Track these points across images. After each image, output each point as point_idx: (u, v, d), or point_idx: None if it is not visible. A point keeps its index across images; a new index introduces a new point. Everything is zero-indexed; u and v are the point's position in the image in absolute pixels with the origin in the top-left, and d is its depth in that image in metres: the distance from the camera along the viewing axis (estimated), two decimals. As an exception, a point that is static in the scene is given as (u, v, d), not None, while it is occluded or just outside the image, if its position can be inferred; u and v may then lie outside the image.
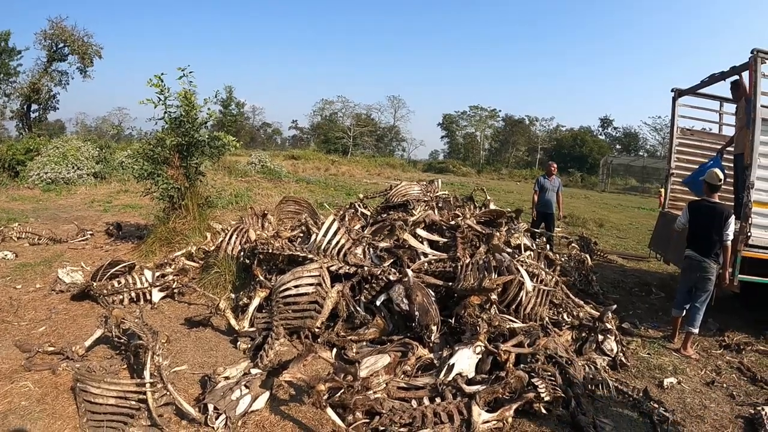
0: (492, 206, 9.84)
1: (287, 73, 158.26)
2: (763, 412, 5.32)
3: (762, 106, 7.29)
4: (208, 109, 10.22)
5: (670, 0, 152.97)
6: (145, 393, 4.33)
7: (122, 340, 5.51)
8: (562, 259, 9.48)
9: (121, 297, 7.04)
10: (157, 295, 7.23)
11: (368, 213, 9.59)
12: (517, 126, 76.54)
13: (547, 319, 6.50)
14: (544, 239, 10.78)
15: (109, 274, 7.35)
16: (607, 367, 6.17)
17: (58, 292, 7.57)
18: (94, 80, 42.11)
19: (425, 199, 9.55)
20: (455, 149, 78.28)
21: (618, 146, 78.31)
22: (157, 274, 7.49)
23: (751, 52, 7.29)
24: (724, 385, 6.27)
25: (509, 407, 4.58)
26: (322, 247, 6.87)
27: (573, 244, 11.13)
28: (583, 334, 6.54)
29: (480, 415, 4.39)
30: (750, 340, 7.80)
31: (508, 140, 75.58)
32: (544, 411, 4.79)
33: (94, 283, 7.10)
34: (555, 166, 12.29)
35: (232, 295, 7.10)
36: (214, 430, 4.25)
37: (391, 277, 6.19)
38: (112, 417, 4.19)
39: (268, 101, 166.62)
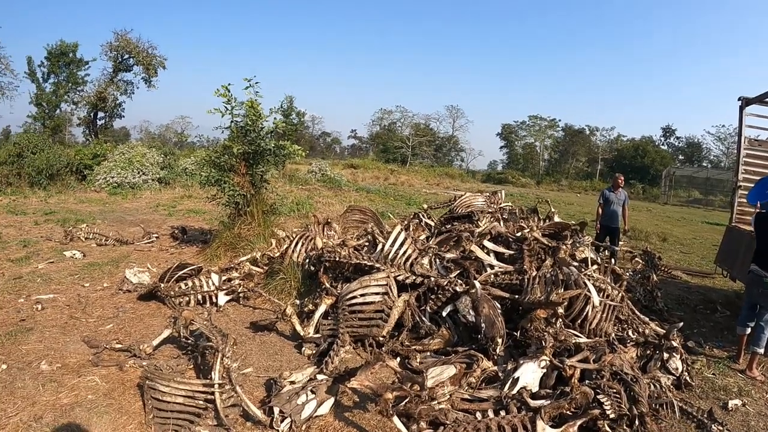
0: (557, 218, 9.64)
1: (346, 82, 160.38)
2: None
3: None
4: (275, 118, 10.37)
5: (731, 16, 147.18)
6: (212, 393, 4.34)
7: (190, 341, 5.56)
8: (627, 275, 9.18)
9: (187, 299, 7.13)
10: (223, 299, 7.31)
11: (432, 223, 9.48)
12: (577, 136, 74.76)
13: (612, 335, 6.32)
14: (608, 253, 10.57)
15: (176, 276, 7.45)
16: (671, 386, 5.97)
17: (125, 291, 7.79)
18: (158, 89, 43.41)
19: (490, 210, 9.38)
20: (514, 160, 76.99)
21: (681, 157, 75.38)
22: (224, 278, 7.57)
23: None
24: None
25: (574, 423, 4.47)
26: (390, 257, 6.79)
27: (637, 259, 10.72)
28: (648, 352, 6.33)
29: (544, 430, 4.30)
30: None
31: (568, 150, 73.86)
32: (608, 429, 4.63)
33: (162, 285, 7.23)
34: (622, 178, 11.79)
35: (297, 302, 7.13)
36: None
37: (458, 288, 6.08)
38: (179, 415, 4.22)
39: (327, 111, 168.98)
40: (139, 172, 22.66)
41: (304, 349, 5.89)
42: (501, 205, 10.33)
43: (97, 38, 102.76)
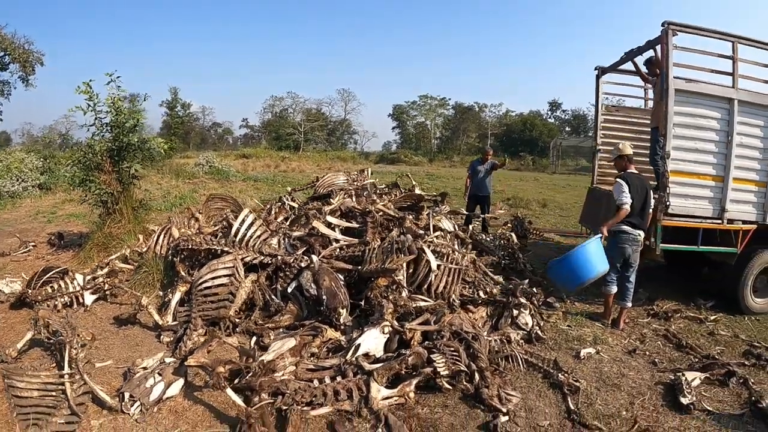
0: (417, 191, 10.31)
1: (236, 71, 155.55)
2: (683, 378, 5.49)
3: (674, 77, 7.55)
4: (137, 113, 10.39)
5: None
6: (64, 384, 4.73)
7: (52, 340, 5.84)
8: (488, 239, 9.99)
9: (55, 302, 7.31)
10: (89, 298, 7.48)
11: (296, 205, 9.93)
12: (466, 113, 77.08)
13: (454, 296, 6.76)
14: (480, 221, 11.39)
15: (42, 280, 7.60)
16: (521, 341, 6.42)
17: (-1, 302, 7.82)
18: (38, 89, 40.79)
19: (348, 187, 9.95)
20: (407, 139, 78.30)
21: (567, 128, 79.67)
22: (88, 277, 7.78)
23: (662, 25, 7.50)
24: (647, 353, 6.54)
25: (409, 383, 4.92)
26: (238, 239, 7.26)
27: (508, 224, 11.30)
28: (499, 310, 6.85)
29: (379, 391, 4.73)
30: (679, 308, 8.25)
31: (459, 128, 75.95)
32: (447, 386, 5.12)
33: (30, 291, 7.37)
34: (491, 152, 12.55)
35: (161, 293, 7.47)
36: (130, 417, 4.60)
37: (302, 264, 6.57)
38: (36, 409, 4.51)
39: (218, 101, 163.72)
40: (18, 180, 21.37)
41: (162, 337, 6.21)
42: (364, 183, 10.90)
43: None
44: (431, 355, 5.20)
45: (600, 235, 7.36)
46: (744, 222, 8.09)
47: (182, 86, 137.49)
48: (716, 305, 8.51)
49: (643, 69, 9.21)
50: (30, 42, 37.34)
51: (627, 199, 7.04)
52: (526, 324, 6.64)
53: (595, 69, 10.54)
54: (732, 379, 5.74)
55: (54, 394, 4.67)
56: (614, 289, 7.46)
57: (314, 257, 6.53)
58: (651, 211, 7.36)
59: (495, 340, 6.14)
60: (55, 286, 7.45)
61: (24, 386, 4.60)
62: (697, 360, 6.36)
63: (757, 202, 8.19)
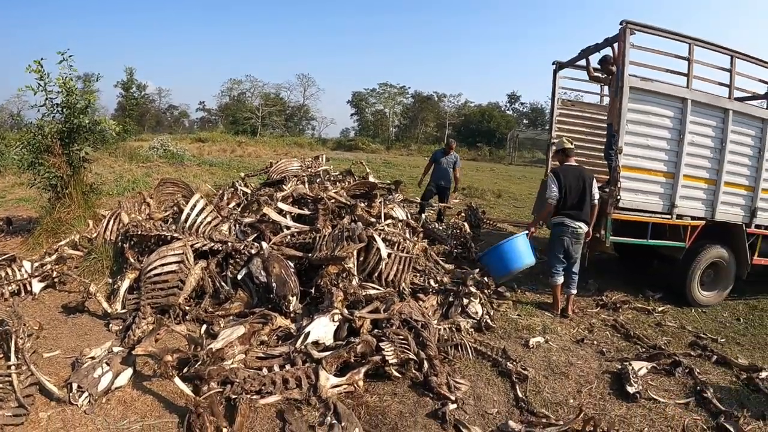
0: (371, 178, 10.41)
1: (194, 52, 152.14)
2: (630, 367, 5.70)
3: (630, 75, 7.79)
4: (89, 93, 10.16)
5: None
6: (11, 376, 4.71)
7: (-2, 330, 5.78)
8: (441, 228, 10.16)
9: (2, 290, 7.18)
10: (37, 286, 7.33)
11: (248, 191, 9.92)
12: (425, 102, 77.78)
13: (404, 285, 6.96)
14: (435, 211, 11.58)
15: (-12, 268, 7.46)
16: (471, 330, 6.57)
17: (-62, 293, 7.64)
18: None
19: (300, 174, 9.98)
20: (365, 127, 78.49)
21: (525, 121, 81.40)
22: (36, 264, 7.67)
23: (621, 24, 7.69)
24: (595, 343, 6.77)
25: (358, 371, 5.04)
26: (188, 226, 7.26)
27: (461, 214, 11.38)
28: (450, 299, 7.01)
29: (328, 379, 4.84)
30: (628, 299, 8.59)
31: (417, 116, 76.55)
32: (396, 374, 5.24)
33: (-28, 280, 7.23)
34: (455, 144, 12.71)
35: (110, 280, 7.41)
36: (78, 408, 4.59)
37: (252, 251, 6.61)
38: (-20, 404, 4.49)
39: (174, 83, 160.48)
40: (-38, 162, 20.72)
41: (111, 325, 6.19)
42: (319, 169, 10.94)
43: None
44: (380, 344, 5.29)
45: (527, 231, 8.10)
46: (693, 218, 8.38)
47: (138, 66, 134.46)
48: (664, 297, 8.86)
49: (596, 67, 9.50)
50: None
51: (554, 194, 7.44)
52: (476, 313, 6.81)
53: (553, 64, 10.83)
54: (678, 369, 5.94)
55: (0, 386, 4.63)
56: (560, 279, 7.71)
57: (264, 244, 6.57)
58: (594, 202, 7.60)
59: (445, 329, 6.27)
60: (2, 274, 7.32)
61: (-34, 378, 4.56)
62: (644, 350, 6.58)
63: (706, 199, 8.47)
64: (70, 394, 4.67)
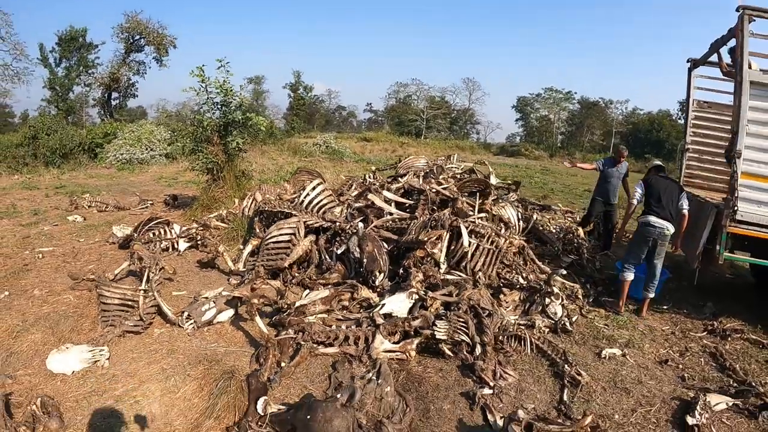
0: (492, 178, 10.91)
1: (365, 56, 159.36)
2: (703, 398, 5.13)
3: (752, 69, 6.90)
4: (241, 94, 11.90)
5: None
6: (138, 297, 6.13)
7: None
8: (553, 229, 10.52)
9: (155, 245, 8.85)
10: (183, 245, 9.07)
11: (375, 182, 10.80)
12: (591, 109, 73.82)
13: (481, 275, 7.25)
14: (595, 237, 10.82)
15: (147, 227, 9.20)
16: (544, 329, 6.58)
17: (111, 243, 9.58)
18: (174, 68, 45.36)
19: (424, 169, 10.78)
20: (530, 133, 76.45)
21: None
22: (184, 228, 9.35)
23: (737, 10, 6.80)
24: (680, 367, 6.17)
25: (411, 341, 5.63)
26: (305, 205, 8.50)
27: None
28: (533, 297, 7.15)
29: (382, 342, 5.53)
30: (743, 328, 7.34)
31: (583, 123, 73.00)
32: (448, 352, 5.66)
33: (135, 235, 9.00)
34: (626, 153, 10.30)
35: (241, 246, 8.84)
36: (184, 330, 5.97)
37: (352, 231, 7.59)
38: (116, 313, 6.00)
39: (344, 85, 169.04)
40: (147, 149, 24.41)
41: (231, 279, 7.59)
42: (447, 166, 11.65)
43: (106, 21, 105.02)
44: (437, 321, 5.80)
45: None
46: None
47: (311, 70, 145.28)
48: None
49: (729, 62, 8.34)
50: (164, 27, 42.41)
51: (635, 197, 7.72)
52: (555, 314, 6.83)
53: (688, 61, 9.90)
54: (764, 413, 5.17)
55: (129, 302, 6.06)
56: (630, 276, 7.58)
57: (361, 225, 7.53)
58: (684, 212, 7.36)
59: (514, 322, 6.48)
60: (157, 233, 9.04)
61: (109, 294, 6.05)
62: (734, 384, 5.76)
63: None
64: (180, 319, 6.01)
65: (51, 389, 4.75)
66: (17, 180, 18.57)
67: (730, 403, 5.26)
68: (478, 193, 9.51)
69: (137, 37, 41.66)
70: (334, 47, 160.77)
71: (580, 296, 7.67)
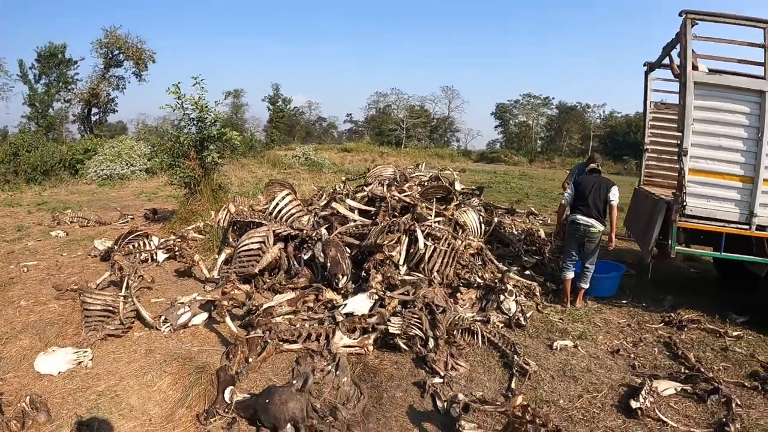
0: (457, 185, 11.45)
1: (343, 68, 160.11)
2: (648, 383, 5.32)
3: (696, 70, 7.22)
4: (215, 111, 12.48)
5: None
6: (119, 303, 6.68)
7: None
8: (516, 232, 11.11)
9: (134, 257, 9.36)
10: (161, 256, 9.64)
11: (344, 192, 11.34)
12: (569, 113, 75.34)
13: (436, 275, 7.79)
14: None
15: (126, 240, 9.73)
16: (498, 324, 7.00)
17: (93, 256, 10.14)
18: (154, 82, 45.70)
19: (386, 177, 11.37)
20: (510, 139, 77.88)
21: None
22: (162, 240, 9.90)
23: (680, 14, 7.12)
24: (632, 356, 6.38)
25: (368, 336, 6.19)
26: (274, 215, 9.11)
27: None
28: (488, 294, 7.58)
29: (341, 338, 6.05)
30: (700, 318, 7.64)
31: (562, 128, 74.49)
32: (404, 346, 6.14)
33: (116, 247, 9.52)
34: (600, 159, 9.56)
35: (216, 255, 9.38)
36: (161, 333, 6.55)
37: (317, 237, 8.15)
38: (98, 318, 6.52)
39: (325, 96, 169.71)
40: (127, 164, 24.99)
41: (206, 286, 8.12)
42: (414, 174, 12.20)
43: (85, 37, 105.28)
44: (391, 318, 6.33)
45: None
46: None
47: (292, 82, 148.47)
48: (750, 323, 7.62)
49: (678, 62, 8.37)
50: (143, 41, 42.56)
51: (565, 197, 8.24)
52: (509, 309, 7.22)
53: (645, 65, 10.27)
54: (713, 397, 5.35)
55: (111, 308, 6.60)
56: (569, 275, 8.03)
57: (324, 231, 8.11)
58: (611, 203, 7.75)
59: (467, 318, 6.84)
60: (136, 244, 9.58)
61: (91, 301, 6.59)
62: (684, 371, 5.95)
63: None
64: (158, 323, 6.58)
65: (39, 388, 5.23)
66: (-1, 198, 18.96)
67: (679, 389, 5.51)
68: (441, 199, 10.13)
69: (116, 52, 41.87)
70: (314, 59, 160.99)
71: (537, 293, 8.19)
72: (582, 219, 7.78)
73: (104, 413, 4.81)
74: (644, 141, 10.58)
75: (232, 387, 4.96)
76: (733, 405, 5.17)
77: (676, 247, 7.45)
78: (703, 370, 5.92)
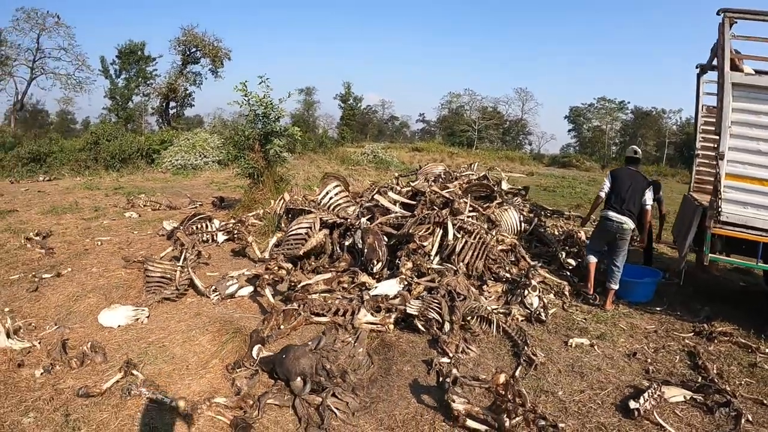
0: (504, 184, 12.04)
1: (419, 66, 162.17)
2: (655, 387, 5.25)
3: (734, 70, 7.04)
4: (279, 107, 13.40)
5: None
6: (175, 272, 7.57)
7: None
8: (557, 233, 11.28)
9: (197, 237, 10.32)
10: (221, 237, 10.59)
11: (398, 186, 11.79)
12: (644, 119, 72.70)
13: (463, 267, 8.18)
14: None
15: (191, 221, 10.70)
16: (518, 317, 7.19)
17: (160, 235, 11.20)
18: (230, 79, 47.83)
19: (434, 174, 12.01)
20: (583, 143, 76.24)
21: None
22: (222, 222, 10.84)
23: (718, 13, 6.99)
24: (648, 361, 6.25)
25: (389, 315, 6.71)
26: (322, 204, 9.86)
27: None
28: (516, 289, 7.85)
29: (365, 315, 6.63)
30: (733, 332, 7.21)
31: (636, 134, 71.61)
32: (422, 328, 6.56)
33: (180, 227, 10.50)
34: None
35: (271, 239, 10.22)
36: (210, 300, 7.39)
37: (358, 226, 8.86)
38: (157, 283, 7.46)
39: (398, 95, 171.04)
40: (200, 156, 26.67)
41: (257, 264, 8.94)
42: (463, 173, 12.72)
43: (163, 35, 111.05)
44: (411, 300, 6.84)
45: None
46: None
47: (366, 80, 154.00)
48: None
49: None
50: (219, 40, 45.18)
51: (603, 189, 8.21)
52: (531, 304, 7.41)
53: (697, 67, 9.91)
54: (722, 409, 5.13)
55: (168, 276, 7.51)
56: (593, 259, 8.23)
57: (364, 221, 8.77)
58: (646, 207, 7.82)
59: (489, 308, 7.12)
60: (200, 226, 10.54)
61: (152, 269, 7.53)
62: (699, 381, 5.72)
63: None
64: (208, 291, 7.42)
65: (99, 338, 6.10)
66: (79, 181, 20.89)
67: (688, 397, 5.33)
68: (485, 197, 10.66)
69: (193, 49, 44.34)
70: (389, 56, 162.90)
71: (566, 293, 8.32)
72: (615, 216, 7.81)
73: (150, 359, 5.64)
74: (695, 146, 10.32)
75: (260, 345, 5.69)
76: (743, 420, 4.94)
77: (710, 255, 7.31)
78: (716, 381, 5.66)
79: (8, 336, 5.73)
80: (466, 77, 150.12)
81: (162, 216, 13.52)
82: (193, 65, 46.37)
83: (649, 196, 7.84)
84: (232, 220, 11.31)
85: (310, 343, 5.58)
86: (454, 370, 5.23)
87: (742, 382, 5.87)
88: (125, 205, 14.93)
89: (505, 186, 12.05)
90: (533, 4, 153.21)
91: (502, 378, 4.79)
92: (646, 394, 5.10)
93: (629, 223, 7.76)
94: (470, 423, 4.56)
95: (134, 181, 21.59)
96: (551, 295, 8.25)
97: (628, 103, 75.32)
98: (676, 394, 5.33)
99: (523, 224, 10.54)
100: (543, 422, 4.54)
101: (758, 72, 7.45)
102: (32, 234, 10.66)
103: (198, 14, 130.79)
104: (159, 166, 26.23)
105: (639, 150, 8.38)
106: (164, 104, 46.89)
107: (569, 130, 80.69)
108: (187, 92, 47.82)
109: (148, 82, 47.04)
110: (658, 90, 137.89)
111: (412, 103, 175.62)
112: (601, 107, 75.72)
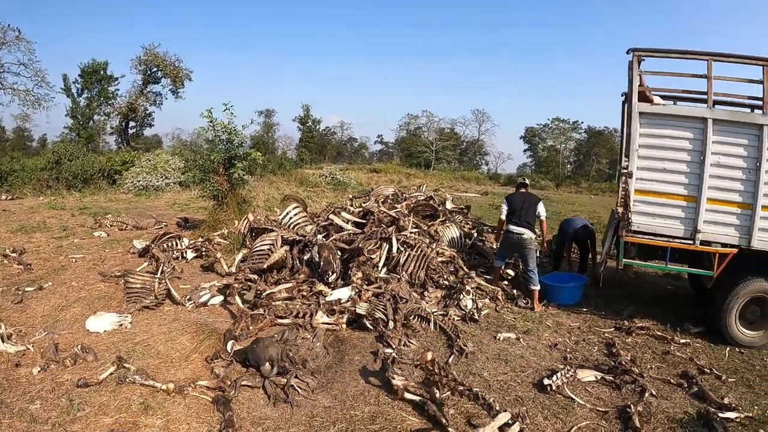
0: (448, 204, 13.47)
1: (377, 90, 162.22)
2: (565, 368, 6.27)
3: (639, 101, 8.10)
4: (242, 133, 14.51)
5: None
6: (153, 283, 8.57)
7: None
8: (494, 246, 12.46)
9: (168, 254, 11.20)
10: (190, 254, 11.61)
11: (352, 207, 12.99)
12: (598, 138, 74.61)
13: (407, 276, 9.30)
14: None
15: (161, 240, 11.64)
16: (454, 317, 8.33)
17: (131, 253, 12.11)
18: (189, 99, 48.37)
19: (384, 195, 13.26)
20: (539, 163, 77.82)
21: None
22: (191, 241, 11.86)
23: (628, 53, 7.99)
24: (567, 350, 7.35)
25: (342, 315, 7.80)
26: (283, 224, 10.96)
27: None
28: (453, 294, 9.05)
29: (321, 317, 7.78)
30: (651, 326, 8.31)
31: (590, 153, 74.24)
32: (369, 326, 7.65)
33: (152, 246, 11.43)
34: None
35: (235, 256, 11.23)
36: (185, 308, 8.40)
37: (314, 242, 9.99)
38: (137, 294, 8.43)
39: (357, 117, 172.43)
40: (162, 177, 27.18)
41: (225, 279, 9.94)
42: (411, 195, 13.90)
43: (126, 55, 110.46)
44: (361, 304, 7.99)
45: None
46: (724, 245, 7.97)
47: (326, 101, 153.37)
48: (705, 333, 8.28)
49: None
50: (180, 60, 45.58)
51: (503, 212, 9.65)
52: (465, 306, 8.59)
53: (622, 95, 9.99)
54: (629, 386, 6.06)
55: (147, 287, 8.52)
56: (498, 263, 10.02)
57: (320, 237, 9.92)
58: (540, 218, 9.53)
59: (428, 310, 8.27)
60: (170, 244, 11.54)
61: (133, 281, 8.54)
62: (610, 365, 6.71)
63: (739, 225, 7.91)
64: (183, 300, 8.46)
65: (88, 341, 6.95)
66: (43, 201, 21.42)
67: (599, 377, 6.32)
68: (429, 216, 11.98)
69: (154, 69, 44.75)
70: (348, 79, 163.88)
71: (499, 297, 9.57)
72: (515, 229, 9.32)
73: (138, 355, 6.65)
74: (620, 165, 10.88)
75: (233, 341, 6.78)
76: (647, 394, 5.88)
77: (624, 260, 8.50)
78: (626, 364, 6.66)
79: (2, 340, 6.62)
80: (423, 98, 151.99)
81: (130, 235, 14.33)
82: (153, 85, 46.98)
83: (542, 209, 9.43)
84: (200, 239, 12.32)
85: (276, 335, 6.74)
86: (394, 353, 6.56)
87: (653, 366, 6.94)
88: (93, 225, 15.66)
89: (449, 205, 13.44)
90: (484, 24, 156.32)
91: (429, 355, 5.89)
92: (559, 374, 6.12)
93: (528, 233, 9.25)
94: (407, 395, 5.68)
95: (98, 201, 22.18)
96: (486, 300, 9.44)
97: (582, 122, 77.47)
98: (588, 375, 6.34)
99: (464, 239, 11.86)
100: (469, 392, 5.71)
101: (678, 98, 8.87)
102: (8, 250, 11.45)
103: (153, 31, 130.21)
104: (121, 187, 26.73)
105: (527, 178, 10.47)
106: (124, 124, 47.30)
107: (524, 150, 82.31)
108: (147, 112, 48.40)
109: (109, 102, 47.03)
110: (611, 109, 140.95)
111: (371, 124, 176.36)
112: (556, 127, 77.51)
